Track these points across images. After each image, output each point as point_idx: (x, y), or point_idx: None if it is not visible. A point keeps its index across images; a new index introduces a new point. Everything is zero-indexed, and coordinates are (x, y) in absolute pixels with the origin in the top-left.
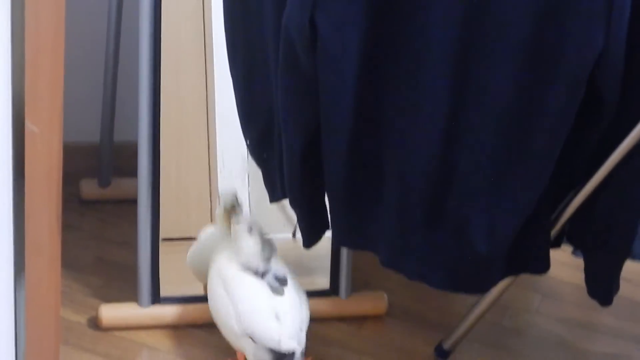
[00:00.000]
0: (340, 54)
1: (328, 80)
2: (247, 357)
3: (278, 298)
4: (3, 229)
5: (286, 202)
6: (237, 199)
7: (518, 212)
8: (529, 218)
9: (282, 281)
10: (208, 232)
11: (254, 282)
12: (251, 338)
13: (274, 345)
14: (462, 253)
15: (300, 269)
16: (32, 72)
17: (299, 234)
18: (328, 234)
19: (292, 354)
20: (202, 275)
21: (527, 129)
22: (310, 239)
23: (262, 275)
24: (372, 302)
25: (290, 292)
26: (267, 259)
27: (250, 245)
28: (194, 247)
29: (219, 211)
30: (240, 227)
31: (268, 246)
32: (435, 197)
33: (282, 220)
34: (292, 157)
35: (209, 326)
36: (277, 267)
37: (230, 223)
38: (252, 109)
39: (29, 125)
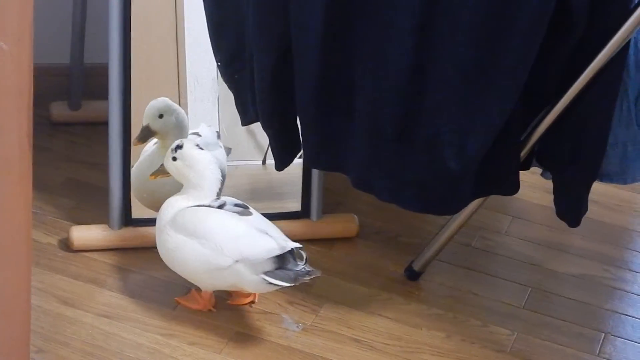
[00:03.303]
0: None
1: None
2: (240, 285)
3: (251, 219)
4: None
5: (256, 127)
6: (162, 113)
7: (488, 128)
8: (499, 138)
9: (243, 206)
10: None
11: (220, 212)
12: (243, 263)
13: (276, 251)
14: (432, 170)
15: (271, 194)
16: None
17: (269, 161)
18: (298, 160)
19: (294, 252)
20: (142, 199)
21: (497, 43)
22: (282, 161)
23: (219, 207)
24: (343, 224)
25: (254, 212)
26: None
27: (210, 164)
28: (136, 165)
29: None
30: (186, 145)
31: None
32: (405, 112)
33: (253, 146)
34: (262, 76)
35: None
36: (229, 198)
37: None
38: (223, 27)
39: None
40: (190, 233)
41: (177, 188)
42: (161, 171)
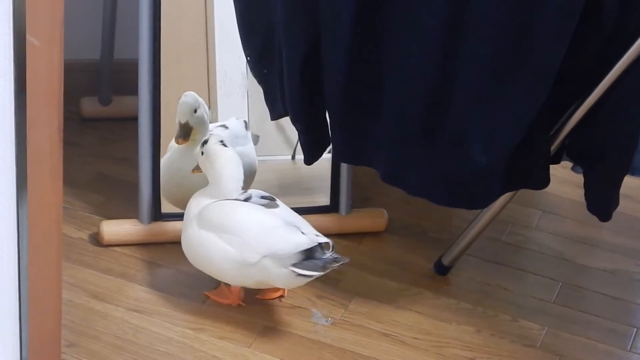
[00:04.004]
0: None
1: None
2: (268, 281)
3: (277, 211)
4: (5, 142)
5: (286, 122)
6: (196, 108)
7: (517, 123)
8: (529, 132)
9: (270, 198)
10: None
11: (246, 205)
12: (271, 258)
13: (305, 245)
14: (461, 164)
15: (300, 189)
16: None
17: (298, 155)
18: (327, 155)
19: (321, 245)
20: (172, 193)
21: (527, 37)
22: (311, 155)
23: (245, 200)
24: (372, 218)
25: (281, 204)
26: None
27: (229, 162)
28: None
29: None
30: (210, 141)
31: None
32: (434, 107)
33: (282, 141)
34: (292, 70)
35: None
36: (254, 191)
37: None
38: (252, 23)
39: (30, 38)
40: (216, 228)
41: (205, 181)
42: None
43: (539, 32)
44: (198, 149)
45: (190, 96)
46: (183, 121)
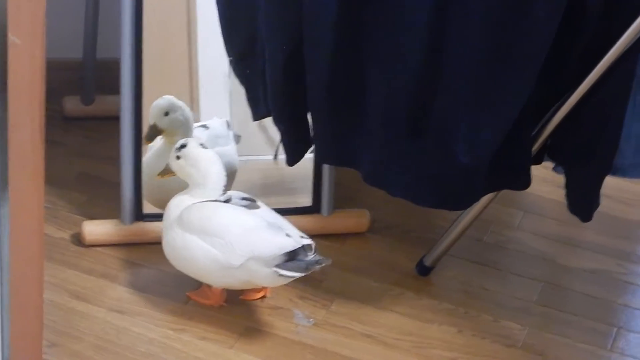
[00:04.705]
0: None
1: None
2: (252, 281)
3: (259, 212)
4: None
5: (268, 122)
6: (167, 111)
7: (499, 124)
8: (511, 132)
9: (250, 199)
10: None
11: (227, 207)
12: (255, 259)
13: (289, 247)
14: (445, 165)
15: (282, 189)
16: None
17: (280, 156)
18: (310, 155)
19: (304, 246)
20: (153, 194)
21: (511, 38)
22: (293, 156)
23: (225, 202)
24: (355, 219)
25: (262, 205)
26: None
27: (213, 163)
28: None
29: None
30: (190, 145)
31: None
32: (418, 107)
33: (264, 141)
34: (274, 71)
35: None
36: (235, 192)
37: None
38: (235, 23)
39: (11, 37)
40: (197, 230)
41: (185, 183)
42: (168, 170)
43: (521, 35)
44: (172, 152)
45: (164, 99)
46: (151, 123)
